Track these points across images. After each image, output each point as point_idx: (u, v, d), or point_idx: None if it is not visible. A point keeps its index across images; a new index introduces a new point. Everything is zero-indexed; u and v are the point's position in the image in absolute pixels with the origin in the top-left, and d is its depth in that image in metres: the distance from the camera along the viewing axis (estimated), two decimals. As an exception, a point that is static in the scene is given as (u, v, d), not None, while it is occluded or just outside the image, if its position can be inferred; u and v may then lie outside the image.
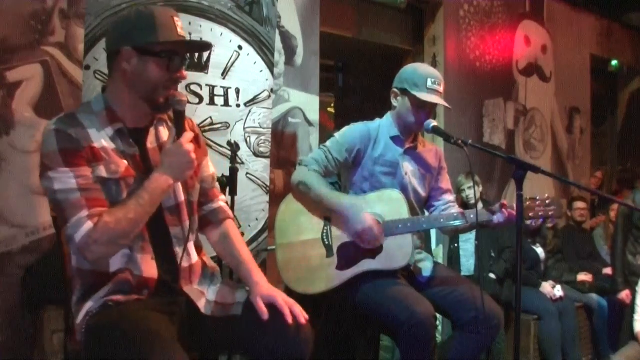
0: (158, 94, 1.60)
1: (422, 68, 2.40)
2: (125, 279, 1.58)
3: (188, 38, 1.70)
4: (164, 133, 1.71)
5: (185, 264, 1.67)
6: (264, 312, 1.61)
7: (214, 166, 1.88)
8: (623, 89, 7.10)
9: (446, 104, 2.34)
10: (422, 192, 2.43)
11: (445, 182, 2.50)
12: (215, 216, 1.84)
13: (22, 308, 2.62)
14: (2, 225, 2.61)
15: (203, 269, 1.75)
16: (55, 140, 1.51)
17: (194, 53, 1.73)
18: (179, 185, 1.67)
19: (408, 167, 2.39)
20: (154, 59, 1.58)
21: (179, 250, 1.67)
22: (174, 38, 1.59)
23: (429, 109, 2.33)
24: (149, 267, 1.60)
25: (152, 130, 1.68)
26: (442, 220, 2.31)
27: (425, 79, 2.29)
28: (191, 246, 1.71)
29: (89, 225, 1.48)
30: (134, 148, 1.62)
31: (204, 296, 1.70)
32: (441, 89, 2.31)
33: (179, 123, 1.61)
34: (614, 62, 6.61)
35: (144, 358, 1.40)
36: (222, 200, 1.88)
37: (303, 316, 1.63)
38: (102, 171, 1.54)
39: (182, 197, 1.69)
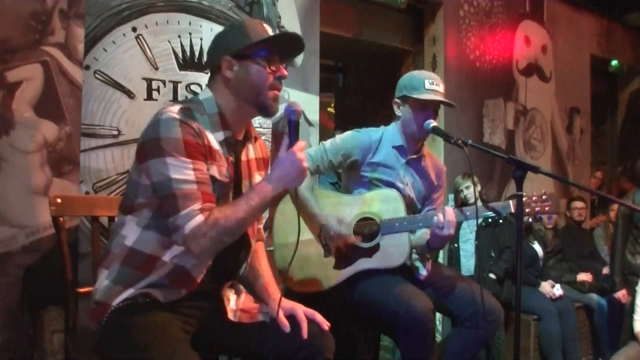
0: (264, 96, 1.64)
1: (418, 72, 2.42)
2: (170, 271, 1.59)
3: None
4: (251, 151, 1.78)
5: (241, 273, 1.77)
6: (286, 325, 1.66)
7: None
8: (623, 89, 7.09)
9: (448, 101, 2.34)
10: (419, 205, 2.44)
11: (436, 203, 2.49)
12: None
13: (22, 308, 2.61)
14: (2, 225, 2.61)
15: None
16: (180, 129, 1.52)
17: (291, 52, 1.75)
18: None
19: (408, 178, 2.39)
20: (252, 60, 1.63)
21: (248, 260, 1.77)
22: (265, 36, 1.64)
23: (431, 111, 2.31)
24: (200, 270, 1.63)
25: (245, 145, 1.74)
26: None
27: (422, 81, 2.30)
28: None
29: (200, 218, 1.50)
30: (232, 157, 1.67)
31: (229, 304, 1.75)
32: (441, 89, 2.31)
33: (293, 133, 1.61)
34: (614, 62, 6.60)
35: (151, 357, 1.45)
36: (261, 223, 1.96)
37: (325, 324, 1.71)
38: (215, 171, 1.58)
39: None
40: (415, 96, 2.29)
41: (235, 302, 1.77)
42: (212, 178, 1.58)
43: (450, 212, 2.17)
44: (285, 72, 1.67)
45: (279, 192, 1.59)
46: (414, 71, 2.47)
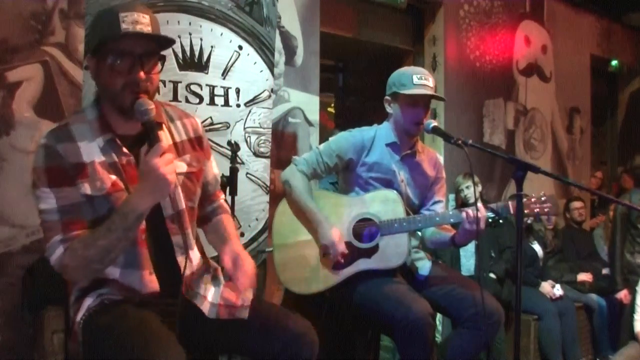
0: (121, 99, 1.50)
1: (406, 69, 2.41)
2: (124, 288, 1.57)
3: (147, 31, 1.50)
4: (164, 138, 1.57)
5: (187, 271, 1.63)
6: (229, 268, 1.63)
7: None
8: (623, 89, 7.10)
9: (438, 95, 2.33)
10: (416, 201, 2.43)
11: (440, 193, 2.48)
12: (214, 212, 1.83)
13: (22, 308, 2.61)
14: (2, 225, 2.61)
15: (204, 271, 1.73)
16: (43, 156, 1.48)
17: (139, 46, 1.50)
18: (179, 192, 1.60)
19: (404, 175, 2.39)
20: (103, 61, 1.50)
21: (181, 259, 1.62)
22: (114, 32, 1.46)
23: (422, 106, 2.30)
24: (149, 282, 1.57)
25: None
26: (437, 219, 2.31)
27: (410, 77, 2.29)
28: (193, 253, 1.68)
29: (60, 250, 1.47)
30: (128, 157, 1.55)
31: (206, 299, 1.67)
32: (430, 83, 2.29)
33: (148, 135, 1.46)
34: (614, 62, 6.61)
35: (141, 357, 1.39)
36: (221, 199, 1.87)
37: (245, 287, 1.64)
38: (87, 188, 1.49)
39: (183, 204, 1.62)
40: (404, 92, 2.28)
41: (213, 296, 1.68)
42: (87, 196, 1.48)
43: (481, 208, 2.17)
44: (139, 75, 1.48)
45: (147, 206, 1.45)
46: (402, 68, 2.44)
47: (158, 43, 1.56)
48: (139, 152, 1.56)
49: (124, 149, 1.55)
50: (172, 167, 1.43)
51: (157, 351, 1.40)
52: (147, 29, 1.49)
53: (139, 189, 1.46)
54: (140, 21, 1.48)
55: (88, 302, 1.56)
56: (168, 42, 1.57)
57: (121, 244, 1.47)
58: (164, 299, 1.60)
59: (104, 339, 1.49)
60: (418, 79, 2.27)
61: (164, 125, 1.62)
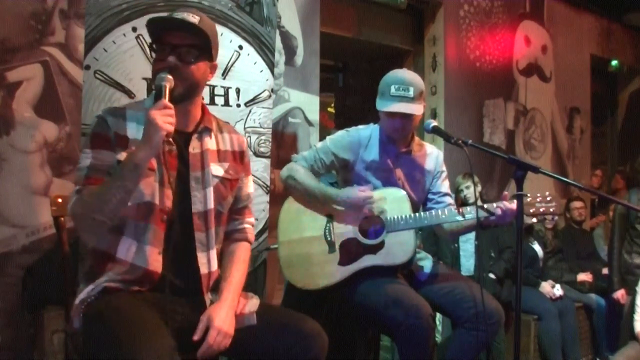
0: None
1: (390, 75, 2.31)
2: (128, 268, 1.60)
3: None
4: (210, 142, 1.73)
5: (204, 270, 1.68)
6: (198, 333, 1.60)
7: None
8: (623, 89, 7.10)
9: (406, 110, 2.22)
10: (416, 197, 2.42)
11: (445, 186, 2.47)
12: (235, 235, 1.86)
13: (22, 308, 2.62)
14: (2, 225, 2.61)
15: (216, 280, 1.76)
16: (94, 125, 1.65)
17: (174, 34, 1.64)
18: (210, 193, 1.69)
19: (401, 172, 2.39)
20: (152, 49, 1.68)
21: (201, 256, 1.68)
22: (158, 23, 1.64)
23: (399, 117, 2.25)
24: (154, 261, 1.61)
25: (194, 137, 1.70)
26: (443, 216, 2.30)
27: (389, 87, 2.24)
28: (213, 255, 1.72)
29: (74, 198, 1.57)
30: (171, 146, 1.64)
31: None
32: (410, 93, 2.22)
33: (157, 96, 1.57)
34: (614, 62, 6.61)
35: (132, 350, 1.39)
36: (249, 223, 1.89)
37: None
38: (123, 156, 1.59)
39: (212, 204, 1.70)
40: (378, 106, 2.28)
41: None
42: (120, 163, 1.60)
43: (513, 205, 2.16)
44: (168, 62, 1.60)
45: (141, 155, 1.51)
46: (391, 72, 2.34)
47: (199, 38, 1.65)
48: (184, 147, 1.68)
49: (170, 139, 1.62)
50: (168, 119, 1.51)
51: (145, 344, 1.39)
52: (192, 22, 1.62)
53: (139, 140, 1.56)
54: (187, 18, 1.63)
55: (89, 288, 1.60)
56: (202, 33, 1.65)
57: (119, 194, 1.53)
58: (164, 287, 1.60)
59: (99, 326, 1.51)
60: (395, 90, 2.22)
61: (212, 133, 1.76)
